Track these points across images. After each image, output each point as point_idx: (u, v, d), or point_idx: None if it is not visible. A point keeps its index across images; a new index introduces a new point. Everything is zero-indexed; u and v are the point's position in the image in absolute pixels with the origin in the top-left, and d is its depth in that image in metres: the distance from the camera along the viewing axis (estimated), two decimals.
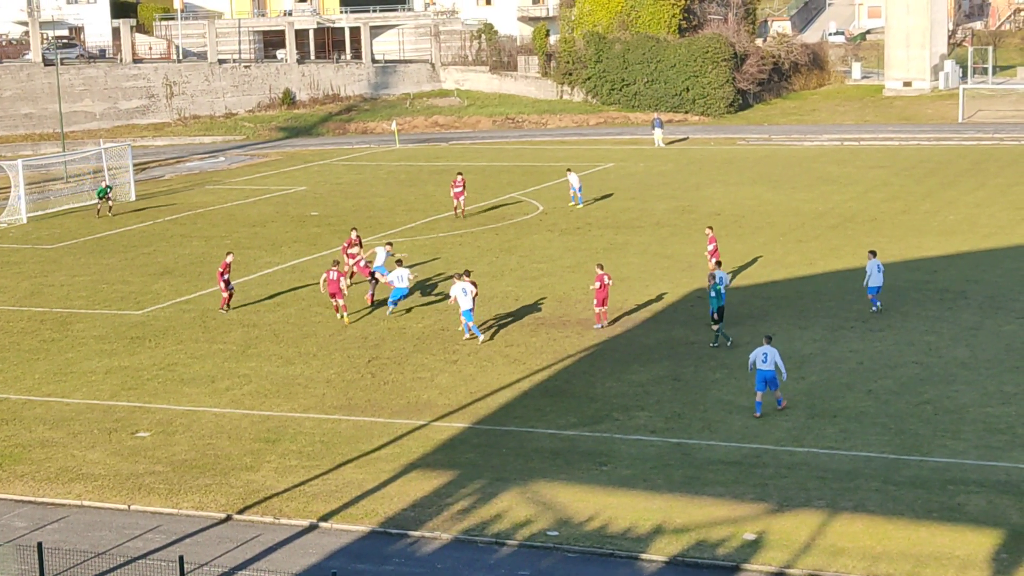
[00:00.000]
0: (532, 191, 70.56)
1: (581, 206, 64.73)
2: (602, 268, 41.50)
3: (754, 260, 50.67)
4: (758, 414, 32.40)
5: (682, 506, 26.79)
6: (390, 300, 43.40)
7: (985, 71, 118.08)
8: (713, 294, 39.02)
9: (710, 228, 48.44)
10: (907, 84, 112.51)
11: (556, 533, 25.77)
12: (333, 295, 42.81)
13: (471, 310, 40.13)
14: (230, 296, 45.03)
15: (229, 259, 45.60)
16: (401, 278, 43.00)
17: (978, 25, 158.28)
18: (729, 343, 38.59)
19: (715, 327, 38.94)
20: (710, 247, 46.72)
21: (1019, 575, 23.05)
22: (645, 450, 30.32)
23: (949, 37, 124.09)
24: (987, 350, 37.40)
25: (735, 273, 47.92)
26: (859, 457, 29.28)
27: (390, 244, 47.59)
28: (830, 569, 23.63)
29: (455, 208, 62.88)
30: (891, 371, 35.61)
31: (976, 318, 41.02)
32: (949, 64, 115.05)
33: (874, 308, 41.73)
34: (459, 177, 63.63)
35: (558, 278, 48.63)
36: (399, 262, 44.26)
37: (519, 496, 27.67)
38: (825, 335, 39.32)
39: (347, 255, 47.98)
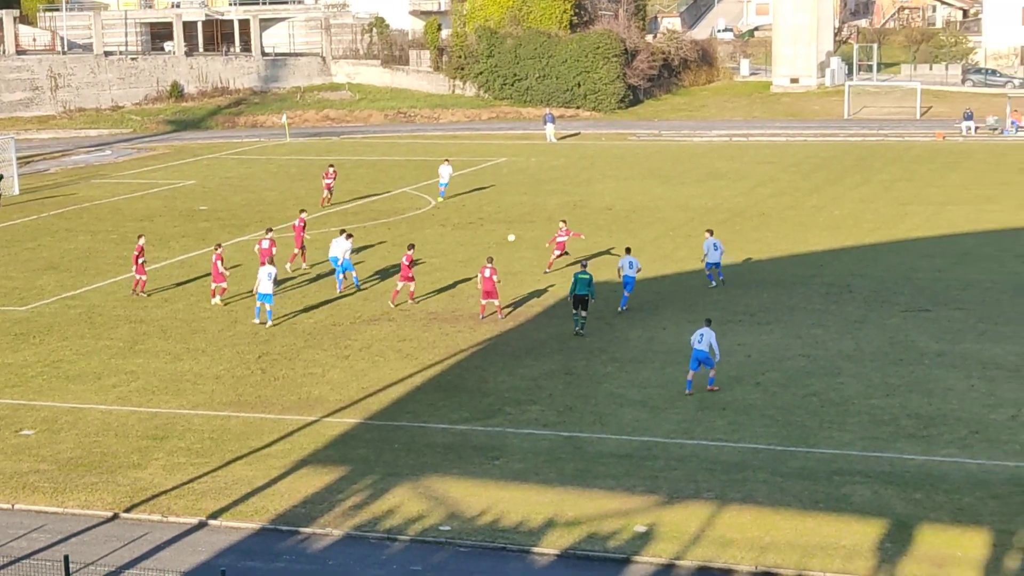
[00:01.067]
0: (424, 186, 70.38)
1: (441, 200, 65.03)
2: (491, 262, 41.57)
3: (644, 254, 51.00)
4: (688, 391, 33.25)
5: (574, 499, 26.92)
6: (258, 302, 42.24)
7: (870, 68, 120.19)
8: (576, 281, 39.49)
9: (564, 221, 49.56)
10: (794, 81, 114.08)
11: (448, 528, 25.76)
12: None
13: (271, 295, 41.05)
14: (145, 281, 45.59)
15: (141, 242, 45.86)
16: (270, 275, 41.72)
17: (863, 23, 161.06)
18: (580, 330, 39.19)
19: (583, 313, 39.50)
20: (560, 239, 47.48)
21: (903, 564, 23.50)
22: (537, 444, 30.42)
23: (835, 35, 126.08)
24: (872, 343, 38.08)
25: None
26: (747, 449, 29.66)
27: (350, 236, 47.25)
28: (719, 560, 23.91)
29: (327, 199, 63.99)
30: (778, 364, 36.10)
31: (861, 311, 41.74)
32: (835, 61, 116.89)
33: (712, 284, 43.81)
34: (331, 169, 64.87)
35: (450, 273, 48.57)
36: (270, 260, 43.61)
37: (411, 491, 27.61)
38: (715, 328, 39.66)
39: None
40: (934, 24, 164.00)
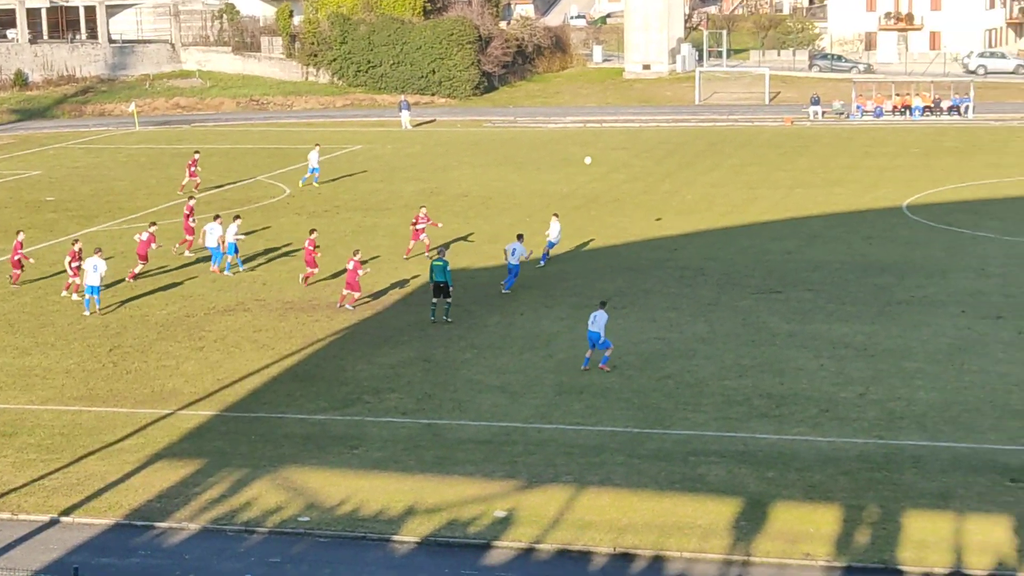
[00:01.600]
0: (279, 174, 69.66)
1: (303, 184, 64.81)
2: (356, 255, 41.45)
3: (501, 241, 51.15)
4: (584, 367, 34.01)
5: (433, 486, 26.91)
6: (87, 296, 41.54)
7: (720, 54, 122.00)
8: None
9: (423, 207, 50.09)
10: (646, 67, 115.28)
11: (307, 518, 25.56)
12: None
13: (98, 287, 40.77)
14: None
15: (21, 237, 45.84)
16: (96, 268, 41.00)
17: (713, 9, 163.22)
18: (435, 318, 39.25)
19: (446, 300, 39.52)
20: (420, 225, 47.68)
21: (758, 541, 23.94)
22: (396, 432, 30.34)
23: (685, 21, 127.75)
24: (724, 325, 38.69)
25: (483, 255, 48.38)
26: (605, 432, 29.94)
27: (237, 217, 47.67)
28: (578, 543, 24.10)
29: (183, 186, 63.41)
30: (634, 347, 36.49)
31: (714, 294, 42.39)
32: (686, 48, 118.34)
33: (541, 263, 45.33)
34: (196, 155, 64.57)
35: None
36: (98, 250, 42.67)
37: (269, 483, 27.34)
38: (571, 313, 40.01)
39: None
40: (781, 10, 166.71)
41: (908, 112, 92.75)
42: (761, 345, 36.53)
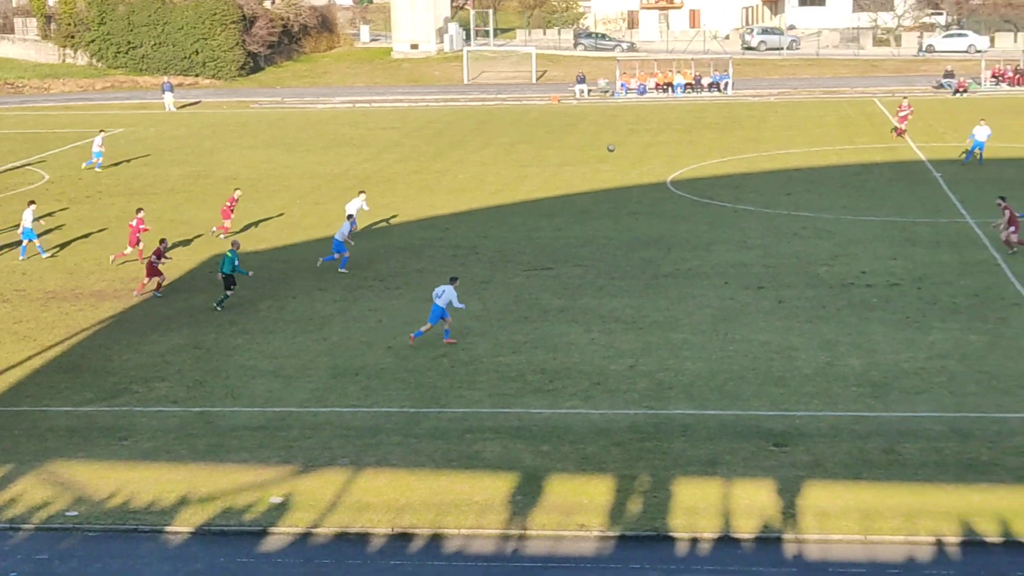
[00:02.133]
0: (37, 159, 67.30)
1: (89, 167, 63.20)
2: (163, 243, 41.14)
3: (271, 224, 50.55)
4: (412, 339, 34.59)
5: (207, 475, 26.42)
6: None
7: (487, 34, 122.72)
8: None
9: (238, 189, 50.07)
10: (414, 47, 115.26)
11: (75, 513, 24.80)
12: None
13: None
14: None
15: None
16: None
17: None
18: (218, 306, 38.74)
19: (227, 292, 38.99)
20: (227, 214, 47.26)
21: (534, 515, 24.21)
22: (167, 421, 29.68)
23: (452, 1, 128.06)
24: (498, 302, 39.00)
25: (255, 238, 47.71)
26: (381, 413, 29.86)
27: (32, 202, 45.86)
28: (356, 525, 23.99)
29: None
30: (410, 327, 36.45)
31: (487, 272, 42.67)
32: (453, 27, 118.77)
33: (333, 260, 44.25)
34: None
35: (69, 250, 46.70)
36: None
37: (35, 478, 26.43)
38: (344, 295, 39.79)
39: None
40: None
41: (670, 89, 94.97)
42: (534, 321, 36.93)
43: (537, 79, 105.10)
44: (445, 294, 34.53)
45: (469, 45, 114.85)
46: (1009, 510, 23.67)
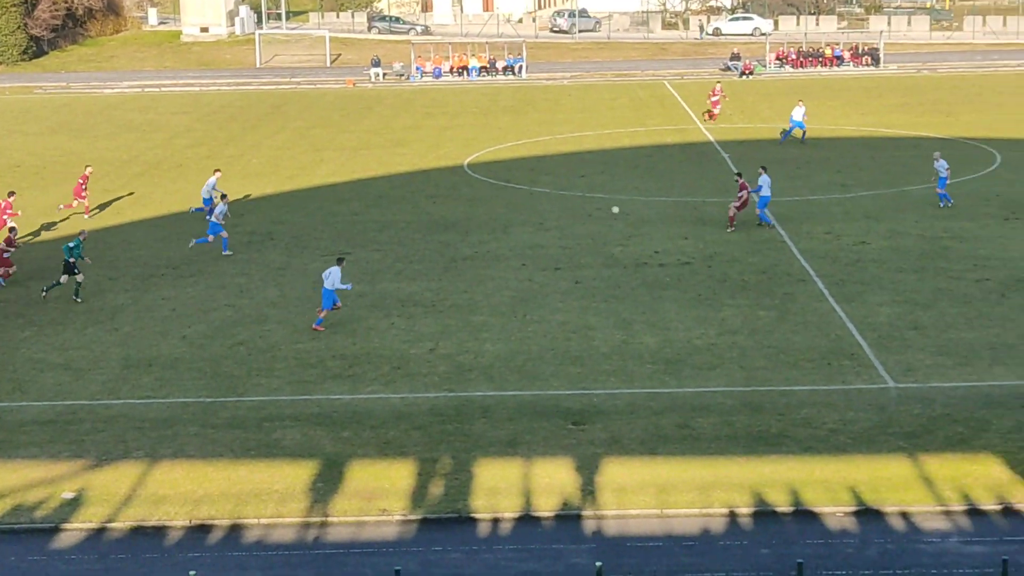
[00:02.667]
0: None
1: None
2: (13, 231, 40.41)
3: (48, 215, 49.09)
4: (317, 326, 34.26)
5: None
6: None
7: (279, 17, 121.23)
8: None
9: (89, 166, 49.82)
10: (204, 30, 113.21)
11: None
12: None
13: None
14: None
15: None
16: None
17: None
18: (49, 293, 37.61)
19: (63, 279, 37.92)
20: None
21: (335, 501, 24.07)
22: None
23: None
24: (295, 288, 38.60)
25: (43, 228, 46.31)
26: (177, 404, 29.29)
27: None
28: (152, 518, 23.50)
29: None
30: (204, 315, 35.86)
31: (284, 258, 42.20)
32: (244, 10, 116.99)
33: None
34: None
35: None
36: None
37: None
38: (136, 284, 38.90)
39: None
40: None
41: (465, 73, 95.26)
42: None
43: (331, 63, 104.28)
44: (331, 275, 34.13)
45: (261, 28, 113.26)
46: (798, 480, 24.44)
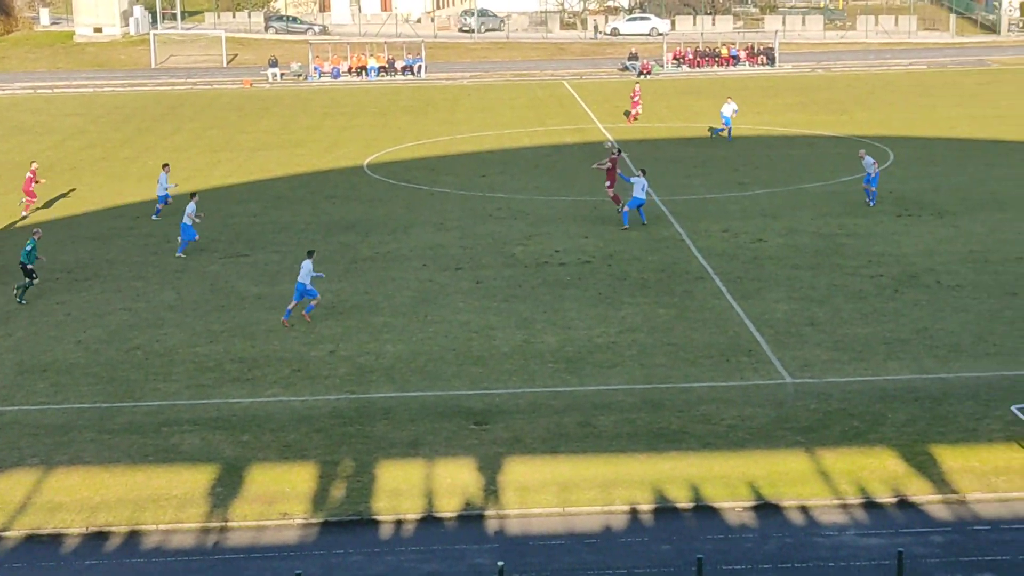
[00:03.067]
0: None
1: None
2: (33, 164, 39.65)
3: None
4: (285, 319, 34.61)
5: None
6: None
7: (175, 17, 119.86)
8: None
9: (34, 161, 50.22)
10: (98, 30, 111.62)
11: None
12: None
13: None
14: None
15: None
16: None
17: None
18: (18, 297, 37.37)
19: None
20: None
21: (235, 506, 23.83)
22: None
23: None
24: (193, 291, 38.17)
25: None
26: (72, 409, 28.81)
27: None
28: (48, 526, 23.08)
29: None
30: (100, 320, 35.34)
31: (181, 261, 41.70)
32: (138, 10, 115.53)
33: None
34: None
35: None
36: None
37: None
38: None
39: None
40: None
41: (364, 73, 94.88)
42: (231, 310, 36.31)
43: (228, 63, 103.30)
44: (303, 269, 34.67)
45: (156, 28, 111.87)
46: (697, 476, 24.66)
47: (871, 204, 47.05)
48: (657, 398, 28.90)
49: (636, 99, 70.43)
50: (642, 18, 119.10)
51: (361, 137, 66.39)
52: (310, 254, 35.37)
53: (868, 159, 47.64)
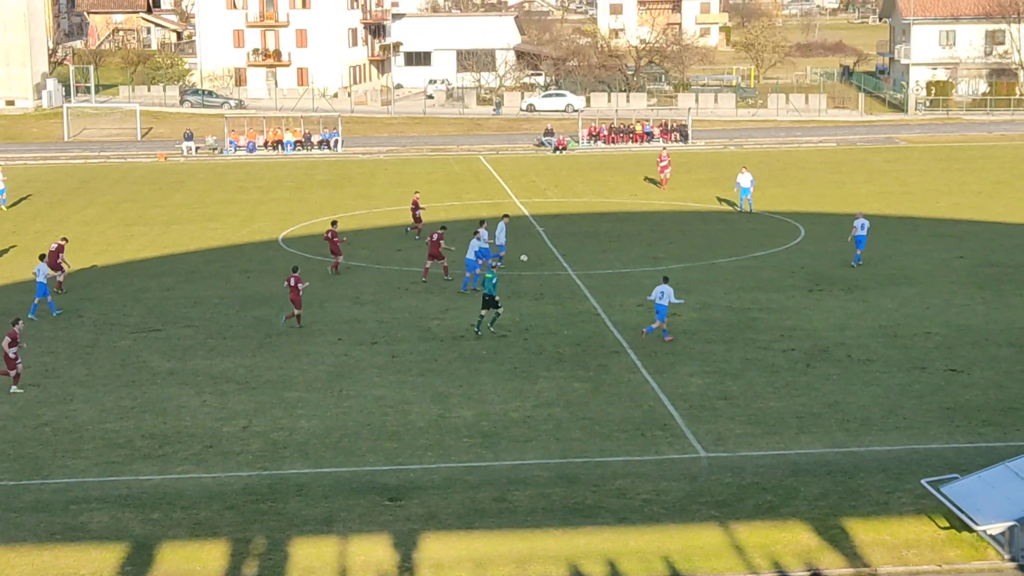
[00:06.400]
0: None
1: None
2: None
3: None
4: (668, 337, 39.23)
5: None
6: None
7: (88, 90, 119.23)
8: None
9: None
10: (10, 103, 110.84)
11: None
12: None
13: None
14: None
15: None
16: None
17: (78, 44, 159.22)
18: (481, 330, 39.98)
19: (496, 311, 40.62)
20: None
21: None
22: None
23: (50, 56, 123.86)
24: (103, 367, 37.68)
25: None
26: None
27: None
28: None
29: None
30: (8, 396, 34.72)
31: (91, 335, 41.19)
32: (52, 83, 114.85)
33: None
34: None
35: None
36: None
37: None
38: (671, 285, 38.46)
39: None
40: (149, 46, 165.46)
41: (280, 147, 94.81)
42: (142, 385, 35.87)
43: (142, 136, 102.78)
44: (665, 294, 38.82)
45: (70, 101, 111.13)
46: (613, 551, 24.62)
47: (856, 263, 50.05)
48: (573, 472, 28.88)
49: (664, 163, 72.48)
50: (558, 94, 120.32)
51: (277, 211, 66.20)
52: (665, 279, 39.81)
53: (862, 220, 50.51)
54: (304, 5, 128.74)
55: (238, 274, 50.59)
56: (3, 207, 65.74)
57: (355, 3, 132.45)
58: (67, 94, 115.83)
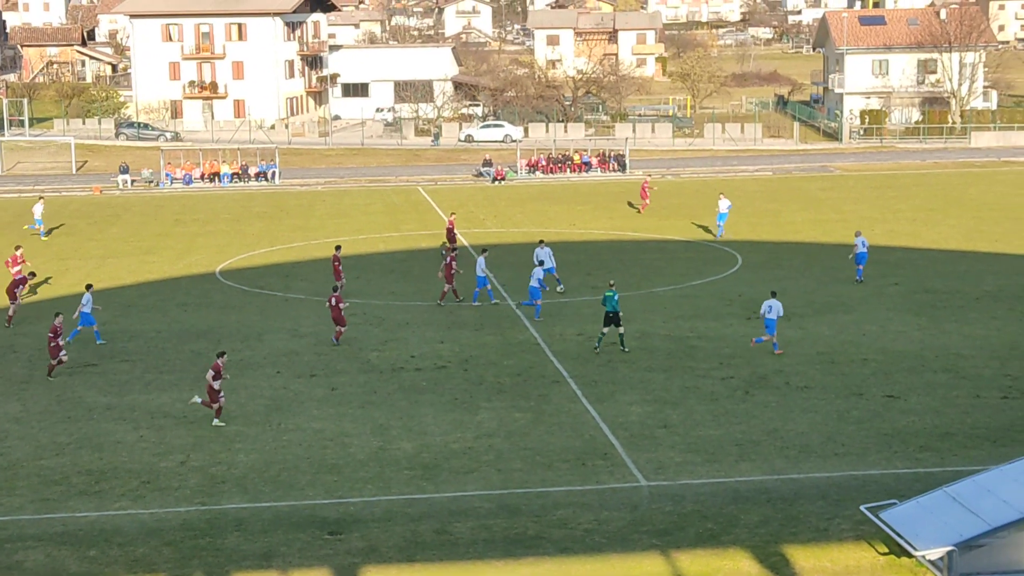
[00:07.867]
0: None
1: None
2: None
3: None
4: (779, 351, 41.21)
5: None
6: None
7: (22, 123, 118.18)
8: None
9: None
10: None
11: None
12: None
13: None
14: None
15: None
16: None
17: (12, 77, 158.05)
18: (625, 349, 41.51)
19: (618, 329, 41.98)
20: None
21: None
22: None
23: None
24: (39, 403, 37.22)
25: None
26: None
27: None
28: None
29: None
30: None
31: (26, 371, 40.71)
32: None
33: None
34: None
35: None
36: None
37: None
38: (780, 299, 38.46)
39: None
40: (84, 78, 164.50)
41: (217, 179, 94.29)
42: (78, 421, 35.45)
43: (77, 170, 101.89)
44: (774, 308, 40.95)
45: (3, 135, 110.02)
46: None
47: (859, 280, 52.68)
48: (514, 503, 28.82)
49: (646, 191, 75.35)
50: (496, 125, 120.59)
51: (214, 244, 65.80)
52: (773, 294, 41.78)
53: (862, 239, 53.15)
54: (240, 37, 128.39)
55: (175, 307, 50.20)
56: (42, 237, 67.93)
57: (292, 35, 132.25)
58: (0, 128, 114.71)
